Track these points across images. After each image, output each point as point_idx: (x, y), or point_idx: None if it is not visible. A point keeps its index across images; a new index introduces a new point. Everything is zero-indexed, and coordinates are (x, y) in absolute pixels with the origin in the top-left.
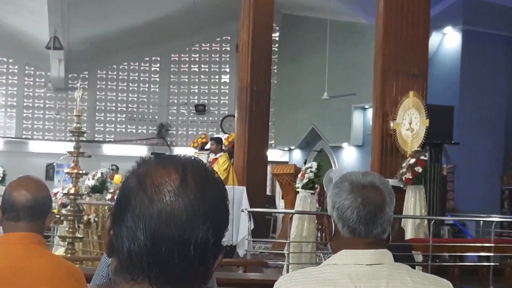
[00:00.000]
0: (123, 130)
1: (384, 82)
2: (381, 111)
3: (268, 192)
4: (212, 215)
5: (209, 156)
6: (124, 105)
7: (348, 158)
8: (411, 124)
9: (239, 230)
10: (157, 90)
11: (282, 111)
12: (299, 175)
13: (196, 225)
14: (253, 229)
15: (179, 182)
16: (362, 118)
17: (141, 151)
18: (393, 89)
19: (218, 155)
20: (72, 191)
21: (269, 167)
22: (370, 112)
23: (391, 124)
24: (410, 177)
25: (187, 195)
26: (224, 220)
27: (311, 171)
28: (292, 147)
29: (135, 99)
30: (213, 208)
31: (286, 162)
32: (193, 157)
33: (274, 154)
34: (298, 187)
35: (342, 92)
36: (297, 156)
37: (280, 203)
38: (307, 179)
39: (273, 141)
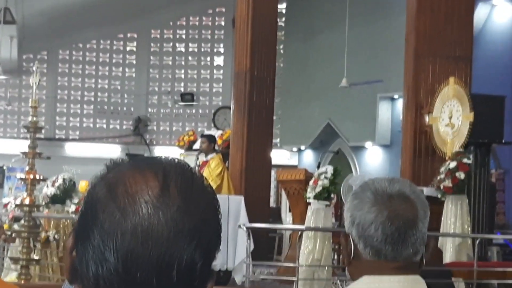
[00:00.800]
0: (91, 125)
1: (417, 66)
2: (413, 103)
3: (272, 204)
4: (200, 232)
5: (198, 159)
6: (92, 94)
7: (373, 161)
8: (451, 118)
9: (235, 251)
10: (134, 75)
11: (290, 102)
12: (311, 183)
13: (180, 244)
14: (253, 250)
15: (159, 191)
16: (390, 111)
17: (113, 151)
18: (428, 75)
19: (209, 157)
20: (26, 201)
21: (273, 172)
22: (400, 104)
23: (426, 119)
24: (450, 185)
25: (168, 207)
26: (216, 238)
27: (325, 178)
28: (302, 147)
29: (106, 86)
30: (201, 223)
31: (295, 166)
32: (177, 160)
33: (280, 156)
34: (309, 198)
35: (365, 78)
36: (308, 158)
37: (287, 218)
38: (320, 188)
39: (278, 140)
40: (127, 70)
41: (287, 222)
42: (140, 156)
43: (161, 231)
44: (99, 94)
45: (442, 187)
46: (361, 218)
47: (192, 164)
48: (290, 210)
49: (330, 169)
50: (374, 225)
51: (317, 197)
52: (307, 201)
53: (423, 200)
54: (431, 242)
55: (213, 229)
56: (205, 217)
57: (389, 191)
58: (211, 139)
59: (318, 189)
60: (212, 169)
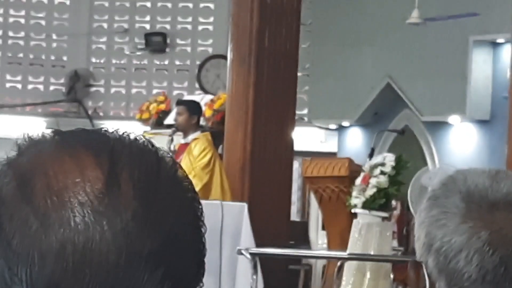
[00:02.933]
0: None
1: None
2: None
3: (295, 215)
4: (169, 254)
5: (172, 141)
6: (0, 33)
7: (461, 146)
8: None
9: None
10: (68, 3)
11: (326, 49)
12: (358, 181)
13: (137, 274)
14: None
15: (102, 187)
16: (491, 65)
17: (33, 126)
18: None
19: (190, 138)
20: None
21: (297, 165)
22: (507, 52)
23: None
24: None
25: (118, 214)
26: (195, 265)
27: (382, 173)
28: (345, 124)
29: (22, 21)
30: (171, 240)
31: (333, 154)
32: (133, 137)
33: (308, 138)
34: (355, 206)
35: (450, 11)
36: (355, 141)
37: (318, 239)
38: (374, 189)
39: (306, 111)
40: None
41: (319, 246)
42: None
43: (105, 253)
44: (10, 34)
45: None
46: (443, 240)
47: (164, 148)
48: (324, 227)
49: (390, 158)
50: (465, 254)
51: (368, 205)
52: (352, 211)
53: None
54: None
55: (190, 250)
56: (178, 231)
57: (491, 195)
58: (192, 108)
59: (371, 191)
60: (195, 158)
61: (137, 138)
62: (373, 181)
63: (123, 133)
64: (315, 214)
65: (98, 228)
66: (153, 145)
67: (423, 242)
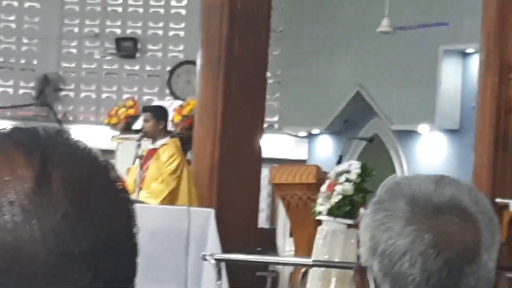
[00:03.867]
0: None
1: (504, 0)
2: (497, 61)
3: (263, 222)
4: (101, 255)
5: (140, 146)
6: None
7: (430, 154)
8: None
9: None
10: (39, 6)
11: (296, 57)
12: (324, 188)
13: (69, 275)
14: None
15: (33, 186)
16: (461, 75)
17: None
18: None
19: (159, 144)
20: None
21: (266, 171)
22: (476, 62)
23: None
24: None
25: (49, 214)
26: (129, 266)
27: (348, 180)
28: (315, 131)
29: None
30: (104, 241)
31: (303, 161)
32: (65, 135)
33: (278, 145)
34: (320, 213)
35: (420, 20)
36: (325, 148)
37: (285, 246)
38: (339, 196)
39: (276, 118)
40: None
41: (286, 253)
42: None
43: (34, 253)
44: None
45: None
46: (388, 243)
47: (131, 155)
48: (291, 234)
49: (355, 165)
50: (409, 257)
51: (333, 212)
52: (317, 218)
53: (492, 217)
54: (504, 283)
55: (123, 251)
56: (111, 232)
57: (435, 199)
58: (160, 114)
59: (336, 198)
60: (163, 164)
61: (70, 137)
62: (338, 188)
63: (56, 132)
64: (283, 221)
65: (27, 227)
66: (86, 145)
67: (368, 246)
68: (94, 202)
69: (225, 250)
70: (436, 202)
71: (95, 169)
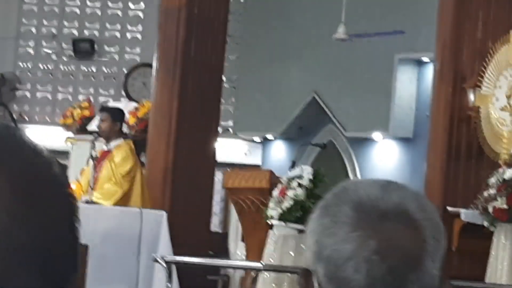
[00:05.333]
0: None
1: (460, 11)
2: (451, 70)
3: (217, 227)
4: (42, 250)
5: (94, 147)
6: None
7: (384, 162)
8: (510, 97)
9: None
10: None
11: (252, 62)
12: (275, 193)
13: (10, 269)
14: None
15: None
16: (416, 83)
17: None
18: (477, 24)
19: (113, 145)
20: None
21: (220, 175)
22: (430, 71)
23: (471, 97)
24: (505, 206)
25: None
26: (71, 262)
27: (300, 185)
28: (269, 136)
29: None
30: (45, 235)
31: (257, 166)
32: (11, 132)
33: (232, 150)
34: (272, 217)
35: (376, 28)
36: (279, 154)
37: (237, 250)
38: (291, 201)
39: (231, 123)
40: None
41: (238, 257)
42: None
43: None
44: None
45: (491, 209)
46: (332, 249)
47: (85, 156)
48: (243, 239)
49: (308, 171)
50: (353, 262)
51: (284, 216)
52: (268, 222)
53: (437, 224)
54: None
55: (65, 245)
56: (54, 227)
57: (381, 205)
58: (116, 115)
59: (287, 203)
60: (116, 165)
61: (16, 132)
62: (290, 193)
63: (1, 128)
64: (235, 226)
65: None
66: (31, 141)
67: (313, 250)
68: (38, 197)
69: (177, 253)
70: (382, 208)
71: (40, 164)
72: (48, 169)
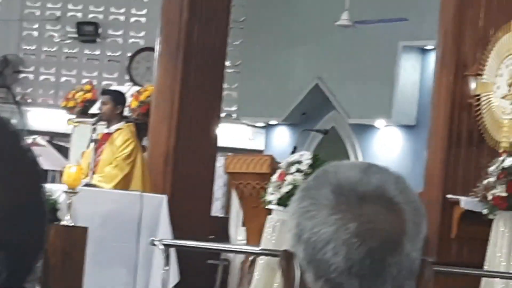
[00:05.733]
0: None
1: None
2: (452, 58)
3: (218, 211)
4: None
5: (95, 130)
6: None
7: (386, 149)
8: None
9: (148, 283)
10: None
11: (256, 48)
12: (274, 177)
13: None
14: (179, 284)
15: None
16: (419, 71)
17: None
18: (479, 13)
19: (114, 128)
20: None
21: (222, 160)
22: (434, 59)
23: (473, 85)
24: (504, 194)
25: None
26: (36, 235)
27: (299, 170)
28: (272, 122)
29: None
30: (11, 210)
31: (260, 151)
32: None
33: (235, 134)
34: (270, 202)
35: (380, 15)
36: (282, 139)
37: (238, 235)
38: (290, 186)
39: (234, 108)
40: None
41: (238, 242)
42: None
43: None
44: None
45: (490, 197)
46: (312, 231)
47: (86, 139)
48: (244, 223)
49: (307, 156)
50: (332, 245)
51: (283, 201)
52: (267, 207)
53: (417, 207)
54: (429, 273)
55: (33, 219)
56: (20, 199)
57: (361, 188)
58: (117, 98)
59: (286, 188)
60: (117, 148)
61: None
62: (289, 178)
63: None
64: (236, 210)
65: None
66: None
67: (293, 232)
68: (3, 169)
69: (177, 237)
70: (362, 191)
71: (6, 137)
72: (15, 143)
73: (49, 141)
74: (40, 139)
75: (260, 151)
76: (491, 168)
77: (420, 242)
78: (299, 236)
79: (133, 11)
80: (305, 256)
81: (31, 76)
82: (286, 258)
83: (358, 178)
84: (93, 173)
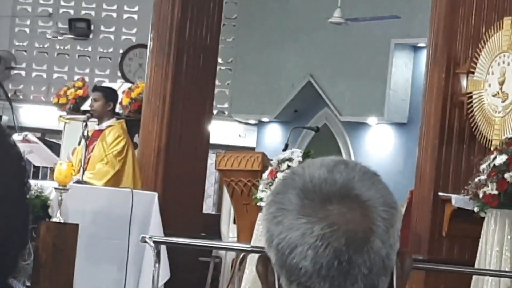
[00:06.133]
0: None
1: None
2: (444, 56)
3: (209, 208)
4: None
5: (86, 126)
6: None
7: (378, 147)
8: (503, 84)
9: (139, 280)
10: None
11: (249, 45)
12: (265, 175)
13: None
14: (170, 281)
15: None
16: (411, 68)
17: None
18: (472, 11)
19: (105, 125)
20: None
21: (213, 157)
22: (425, 56)
23: (464, 83)
24: (495, 192)
25: None
26: (19, 225)
27: (289, 167)
28: (264, 119)
29: None
30: None
31: (252, 149)
32: None
33: (227, 131)
34: (261, 199)
35: (373, 12)
36: (274, 136)
37: (229, 232)
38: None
39: (226, 105)
40: None
41: (230, 239)
42: None
43: None
44: None
45: (481, 195)
46: (280, 237)
47: (78, 135)
48: (235, 220)
49: (297, 153)
50: (300, 249)
51: None
52: (259, 204)
53: (387, 201)
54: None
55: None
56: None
57: (325, 189)
58: (109, 94)
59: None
60: (108, 145)
61: None
62: (280, 175)
63: None
64: (228, 207)
65: None
66: None
67: (265, 238)
68: None
69: (168, 234)
70: (326, 192)
71: None
72: (4, 137)
73: (41, 138)
74: (31, 136)
75: (251, 148)
76: (482, 166)
77: (393, 236)
78: (270, 241)
79: (125, 8)
80: (276, 261)
81: (22, 73)
82: (263, 262)
83: (323, 178)
84: (84, 170)
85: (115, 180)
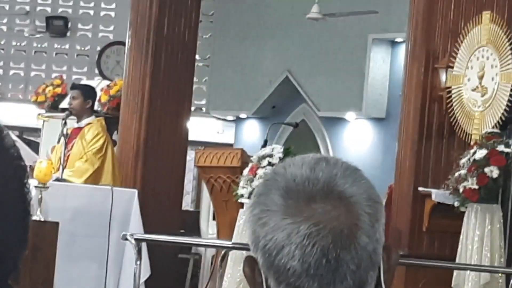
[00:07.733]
0: None
1: None
2: (423, 50)
3: (188, 205)
4: None
5: (65, 124)
6: None
7: (356, 142)
8: (482, 78)
9: (120, 278)
10: None
11: (226, 41)
12: (246, 171)
13: None
14: (150, 278)
15: None
16: (389, 63)
17: None
18: (450, 6)
19: (84, 122)
20: None
21: (193, 154)
22: (403, 51)
23: (443, 78)
24: (475, 187)
25: None
26: (19, 230)
27: (270, 163)
28: (242, 115)
29: None
30: None
31: (230, 145)
32: None
33: (205, 128)
34: (242, 196)
35: (350, 7)
36: (252, 133)
37: (209, 229)
38: (261, 179)
39: (204, 102)
40: None
41: (210, 235)
42: None
43: None
44: None
45: (462, 189)
46: (266, 239)
47: (57, 133)
48: (215, 217)
49: (278, 150)
50: (287, 250)
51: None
52: (239, 201)
53: (371, 196)
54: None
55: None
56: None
57: (308, 188)
58: (87, 92)
59: (258, 182)
60: (87, 143)
61: None
62: (260, 172)
63: None
64: (207, 204)
65: None
66: None
67: (251, 240)
68: None
69: (148, 231)
70: (309, 191)
71: None
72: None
73: (19, 136)
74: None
75: (229, 145)
76: (462, 161)
77: (379, 231)
78: (256, 243)
79: (103, 5)
80: (263, 263)
81: (0, 71)
82: (250, 264)
83: (306, 177)
84: (64, 167)
85: (94, 178)
